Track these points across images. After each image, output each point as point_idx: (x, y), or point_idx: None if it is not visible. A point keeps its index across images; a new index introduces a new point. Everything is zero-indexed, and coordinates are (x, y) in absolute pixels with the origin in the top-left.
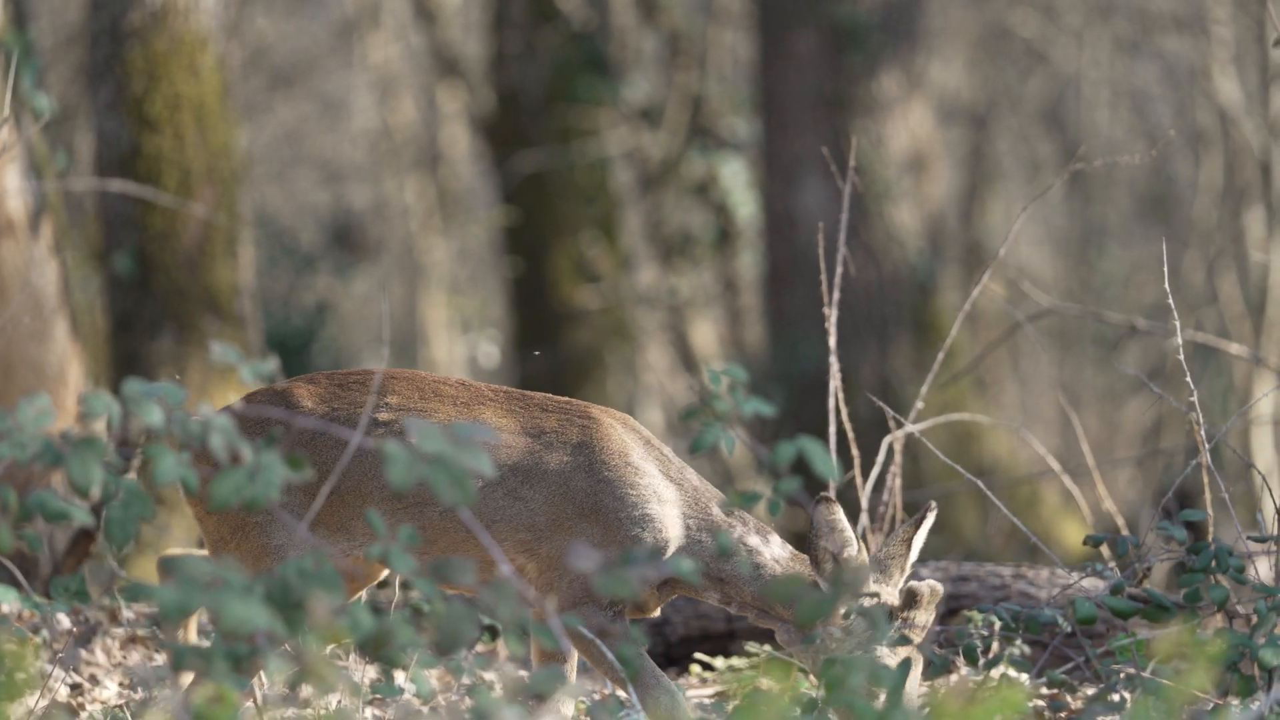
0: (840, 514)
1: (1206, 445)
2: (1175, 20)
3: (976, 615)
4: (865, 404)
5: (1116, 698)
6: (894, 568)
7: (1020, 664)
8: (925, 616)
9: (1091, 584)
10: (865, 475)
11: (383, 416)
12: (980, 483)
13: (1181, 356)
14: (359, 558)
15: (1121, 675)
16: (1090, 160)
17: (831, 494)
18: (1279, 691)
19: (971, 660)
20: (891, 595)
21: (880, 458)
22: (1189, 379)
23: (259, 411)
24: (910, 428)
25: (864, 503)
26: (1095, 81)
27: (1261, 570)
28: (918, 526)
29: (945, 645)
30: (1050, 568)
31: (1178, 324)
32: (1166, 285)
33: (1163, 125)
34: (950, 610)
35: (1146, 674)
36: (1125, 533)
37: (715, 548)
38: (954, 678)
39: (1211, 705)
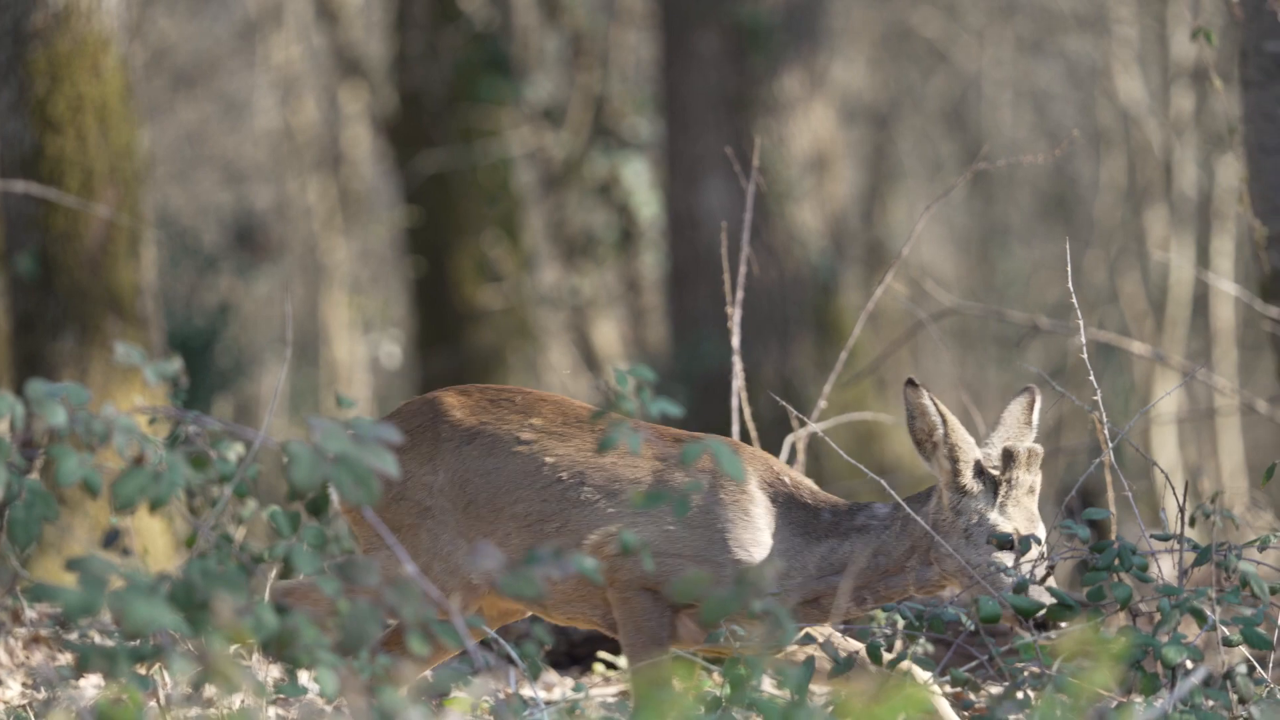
0: (926, 396)
1: (1109, 444)
2: (1077, 19)
3: (880, 614)
4: (768, 403)
5: (1022, 695)
6: (1017, 443)
7: (924, 662)
8: (1030, 476)
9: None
10: None
11: (525, 435)
12: (884, 481)
13: (1085, 355)
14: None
15: (1026, 673)
16: (993, 160)
17: (916, 379)
18: (1183, 689)
19: (875, 659)
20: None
21: (783, 457)
22: (1092, 377)
23: (412, 418)
24: (813, 426)
25: None
26: (997, 81)
27: (1164, 568)
28: (1031, 405)
29: None
30: None
31: (1080, 322)
32: (1070, 284)
33: (1065, 125)
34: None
35: (1051, 672)
36: None
37: (832, 546)
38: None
39: (1115, 703)
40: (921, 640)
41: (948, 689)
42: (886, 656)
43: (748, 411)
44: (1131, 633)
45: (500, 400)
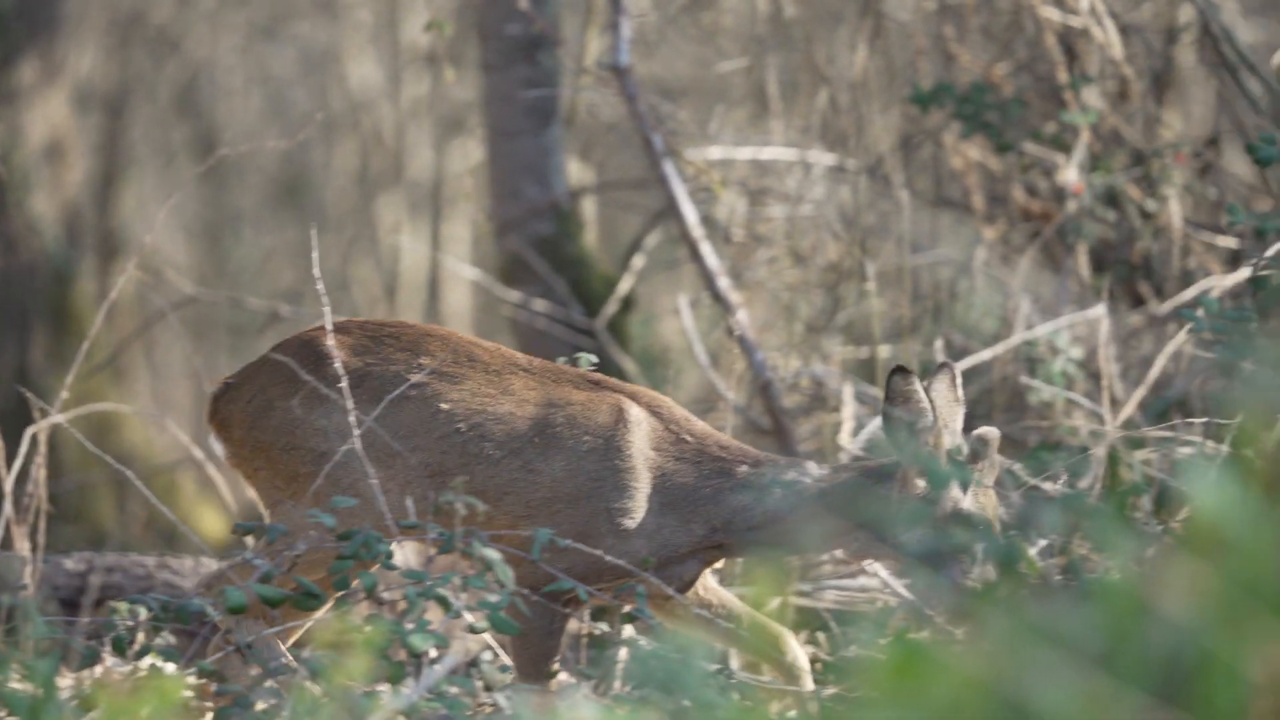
0: (917, 384)
1: (357, 431)
2: (311, 4)
3: (123, 606)
4: (8, 395)
5: (270, 685)
6: (955, 424)
7: (168, 654)
8: (996, 461)
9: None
10: (9, 466)
11: (415, 378)
12: (130, 472)
13: (332, 342)
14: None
15: (273, 663)
16: (233, 147)
17: (909, 366)
18: (430, 678)
19: (120, 651)
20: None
21: (23, 449)
22: (339, 364)
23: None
24: (57, 417)
25: (8, 492)
26: (229, 68)
27: (406, 555)
28: (954, 382)
29: (92, 636)
30: (195, 556)
31: (328, 309)
32: (316, 271)
33: (298, 110)
34: (96, 601)
35: (302, 661)
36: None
37: (746, 501)
38: (100, 669)
39: (364, 692)
40: (164, 632)
41: (193, 680)
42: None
43: None
44: (379, 621)
45: (384, 337)
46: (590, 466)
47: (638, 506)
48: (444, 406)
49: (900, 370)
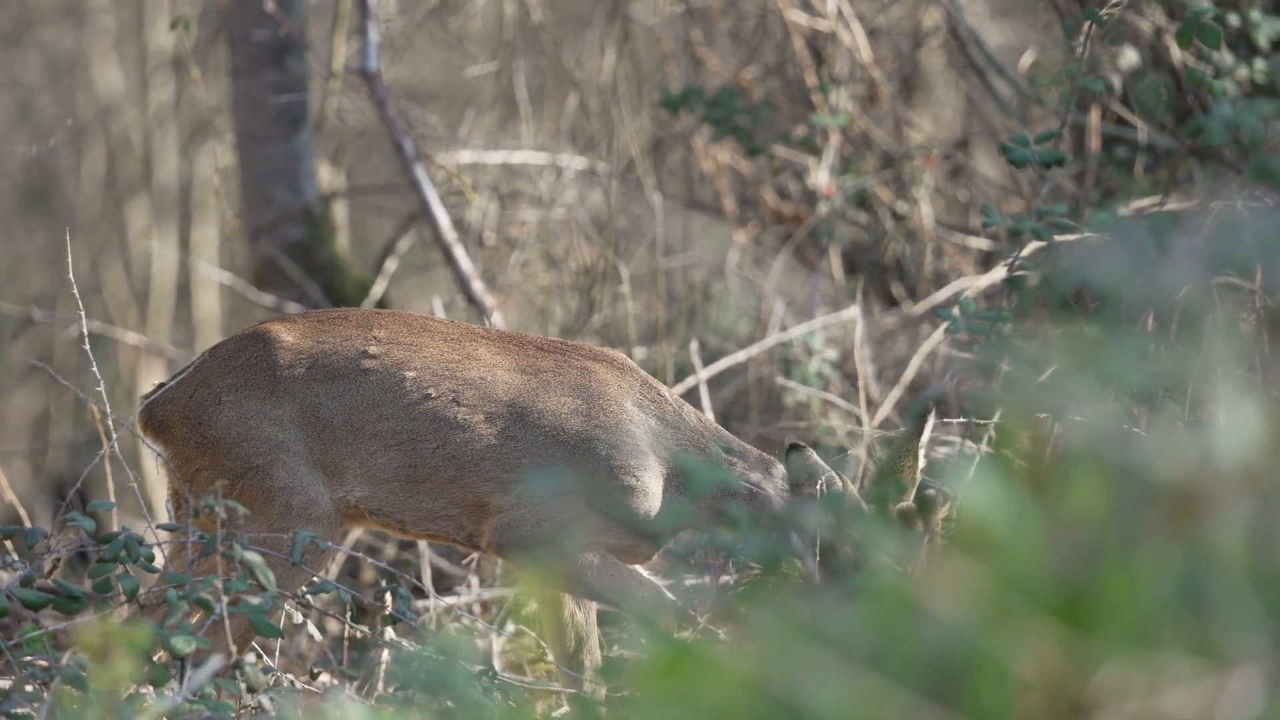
0: (813, 455)
1: (115, 434)
2: (56, 10)
3: None
4: None
5: (31, 688)
6: (907, 479)
7: None
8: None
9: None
10: None
11: (372, 350)
12: None
13: (88, 347)
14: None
15: (35, 665)
16: None
17: (800, 441)
18: (194, 681)
19: None
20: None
21: None
22: (95, 368)
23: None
24: None
25: None
26: None
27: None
28: (920, 433)
29: None
30: None
31: (82, 314)
32: (71, 275)
33: (45, 116)
34: None
35: (63, 664)
36: (28, 524)
37: (729, 484)
38: None
39: (128, 695)
40: None
41: None
42: None
43: None
44: (141, 624)
45: (331, 319)
46: (576, 427)
47: (640, 465)
48: (409, 374)
49: (795, 448)
